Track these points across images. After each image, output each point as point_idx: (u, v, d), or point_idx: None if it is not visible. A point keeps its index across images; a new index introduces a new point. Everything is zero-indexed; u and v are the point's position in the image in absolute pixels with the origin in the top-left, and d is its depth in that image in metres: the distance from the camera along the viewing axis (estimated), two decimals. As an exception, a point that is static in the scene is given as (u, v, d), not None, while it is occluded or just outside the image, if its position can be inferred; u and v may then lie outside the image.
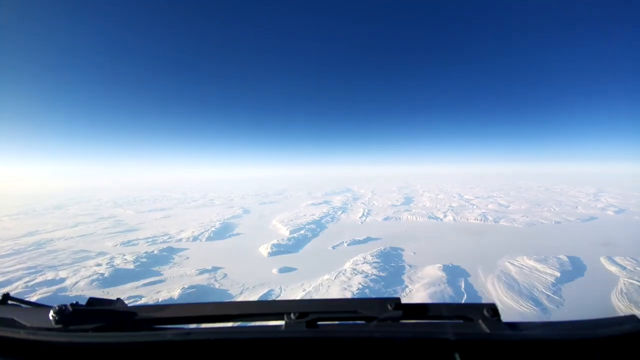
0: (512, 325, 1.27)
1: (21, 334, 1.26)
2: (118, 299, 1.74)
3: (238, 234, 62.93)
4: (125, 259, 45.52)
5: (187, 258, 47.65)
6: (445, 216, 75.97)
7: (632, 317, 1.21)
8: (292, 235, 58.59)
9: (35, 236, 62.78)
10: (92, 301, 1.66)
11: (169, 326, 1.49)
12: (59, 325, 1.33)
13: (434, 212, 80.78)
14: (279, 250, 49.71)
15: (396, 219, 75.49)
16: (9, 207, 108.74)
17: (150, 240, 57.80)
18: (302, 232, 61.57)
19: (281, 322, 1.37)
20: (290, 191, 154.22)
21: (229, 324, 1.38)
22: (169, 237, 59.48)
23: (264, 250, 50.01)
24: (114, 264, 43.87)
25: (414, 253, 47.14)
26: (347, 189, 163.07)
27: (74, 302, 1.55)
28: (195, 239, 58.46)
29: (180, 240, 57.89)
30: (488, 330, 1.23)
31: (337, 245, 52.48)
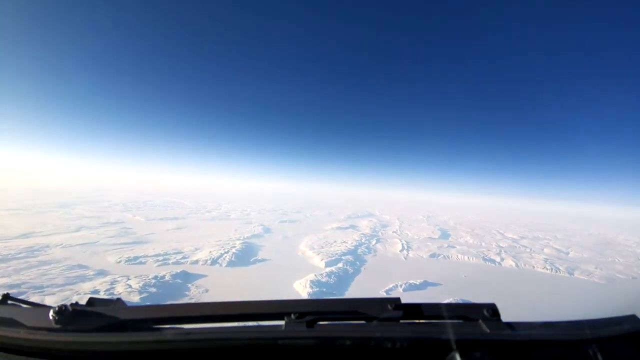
0: (512, 325, 1.28)
1: (21, 334, 1.27)
2: (118, 299, 1.73)
3: (264, 260, 52.82)
4: (129, 286, 35.90)
5: (207, 291, 37.69)
6: (502, 259, 64.50)
7: (632, 317, 1.23)
8: (330, 269, 48.20)
9: (30, 239, 53.93)
10: (92, 301, 1.65)
11: (169, 326, 1.49)
12: (59, 325, 1.33)
13: (486, 253, 69.36)
14: (320, 290, 39.35)
15: (445, 257, 64.36)
16: (12, 200, 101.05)
17: (160, 258, 48.20)
18: (340, 265, 51.14)
19: (281, 322, 1.37)
20: (308, 210, 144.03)
21: (229, 324, 1.39)
22: (183, 257, 49.79)
23: (302, 287, 39.76)
24: (115, 291, 34.24)
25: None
26: (370, 213, 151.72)
27: (74, 302, 1.56)
28: (214, 262, 48.57)
29: (197, 262, 48.09)
30: (488, 330, 1.23)
31: (390, 290, 41.82)
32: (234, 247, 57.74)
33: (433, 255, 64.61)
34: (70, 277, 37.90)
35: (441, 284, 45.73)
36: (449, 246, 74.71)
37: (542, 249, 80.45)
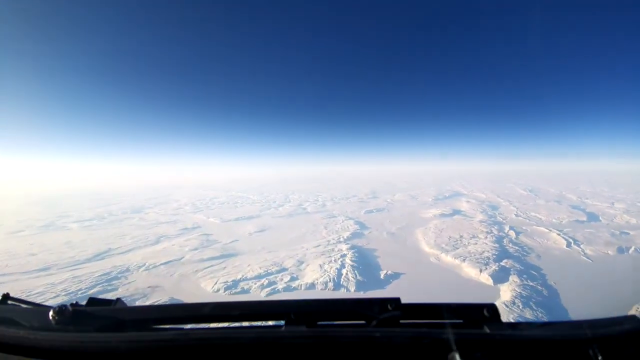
0: (512, 325, 1.30)
1: (21, 334, 1.27)
2: (118, 299, 1.72)
3: (397, 276, 38.20)
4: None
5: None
6: None
7: (632, 317, 1.22)
8: (508, 289, 32.50)
9: (105, 260, 45.79)
10: (92, 301, 1.65)
11: (169, 326, 1.50)
12: (59, 326, 1.34)
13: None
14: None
15: (638, 250, 44.51)
16: (83, 209, 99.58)
17: (265, 282, 36.15)
18: (515, 279, 34.79)
19: (281, 322, 1.38)
20: (384, 194, 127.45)
21: (229, 324, 1.41)
22: (291, 278, 37.29)
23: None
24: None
25: None
26: (456, 191, 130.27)
27: (74, 302, 1.56)
28: (337, 284, 35.18)
29: (314, 286, 35.19)
30: (488, 331, 1.24)
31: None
32: (344, 255, 44.20)
33: (620, 250, 44.98)
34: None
35: None
36: (620, 233, 53.86)
37: None
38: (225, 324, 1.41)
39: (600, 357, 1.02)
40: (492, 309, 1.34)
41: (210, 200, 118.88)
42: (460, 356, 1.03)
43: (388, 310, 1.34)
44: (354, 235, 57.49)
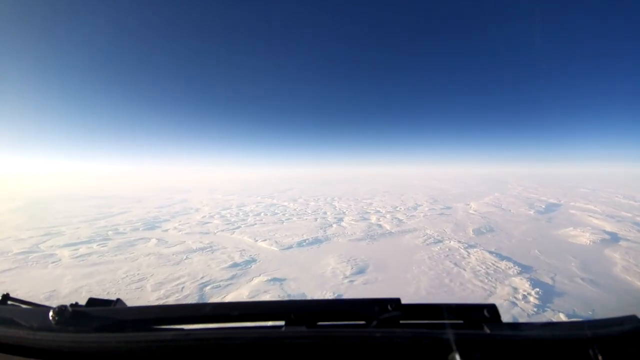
0: (512, 326, 1.31)
1: (21, 334, 1.29)
2: (118, 300, 1.71)
3: None
4: None
5: None
6: None
7: (632, 317, 1.22)
8: None
9: None
10: (92, 301, 1.65)
11: (169, 326, 1.51)
12: (59, 326, 1.34)
13: None
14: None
15: None
16: (79, 221, 75.17)
17: None
18: None
19: (281, 323, 1.38)
20: (447, 201, 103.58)
21: (229, 324, 1.41)
22: None
23: None
24: None
25: None
26: (544, 201, 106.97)
27: (74, 302, 1.56)
28: None
29: None
30: (488, 331, 1.24)
31: None
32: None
33: None
34: None
35: None
36: None
37: None
38: (226, 325, 1.38)
39: (600, 357, 1.01)
40: (492, 309, 1.34)
41: (238, 209, 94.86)
42: (460, 356, 1.02)
43: (388, 310, 1.34)
44: (541, 287, 33.76)
